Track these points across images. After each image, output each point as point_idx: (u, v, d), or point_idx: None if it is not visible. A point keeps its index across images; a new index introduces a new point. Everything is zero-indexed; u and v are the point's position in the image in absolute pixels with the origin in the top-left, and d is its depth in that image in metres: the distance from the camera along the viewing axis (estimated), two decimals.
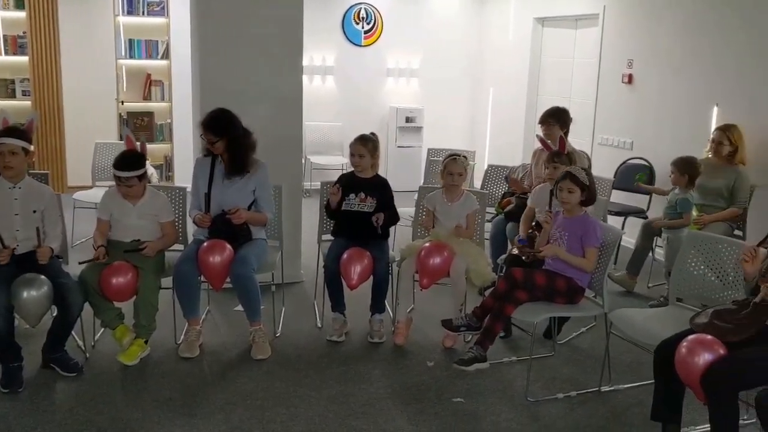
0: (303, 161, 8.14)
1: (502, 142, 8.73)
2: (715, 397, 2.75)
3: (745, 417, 3.11)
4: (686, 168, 4.87)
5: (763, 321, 2.86)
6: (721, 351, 2.81)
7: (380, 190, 4.27)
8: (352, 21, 8.68)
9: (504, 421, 3.33)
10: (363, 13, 8.70)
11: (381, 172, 4.39)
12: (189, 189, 4.26)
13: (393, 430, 3.22)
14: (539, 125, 5.16)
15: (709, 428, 2.84)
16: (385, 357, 4.01)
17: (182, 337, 4.01)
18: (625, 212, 5.92)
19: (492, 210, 5.39)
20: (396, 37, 8.87)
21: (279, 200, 4.40)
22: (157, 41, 7.70)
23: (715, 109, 5.58)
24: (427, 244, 4.14)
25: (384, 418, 3.32)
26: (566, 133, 5.05)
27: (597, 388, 3.67)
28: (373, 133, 4.41)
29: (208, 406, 3.38)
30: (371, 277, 4.12)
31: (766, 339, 2.82)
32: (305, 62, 8.22)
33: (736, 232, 4.94)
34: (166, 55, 7.71)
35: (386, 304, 4.30)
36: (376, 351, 4.08)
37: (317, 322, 4.46)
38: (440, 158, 5.08)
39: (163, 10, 7.63)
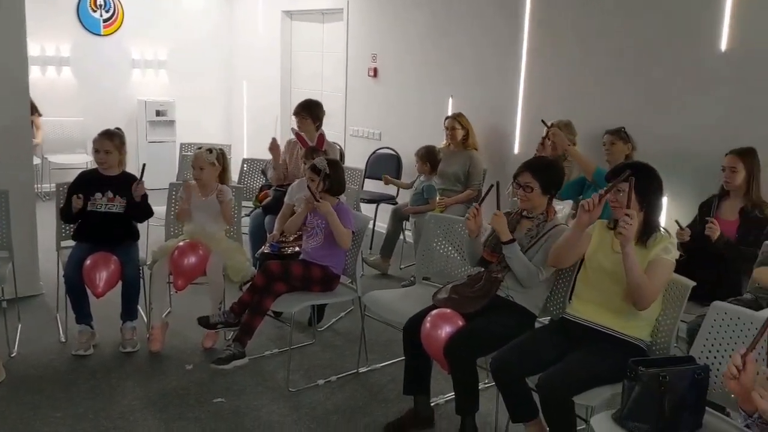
0: (40, 161, 7.44)
1: (258, 136, 8.68)
2: (455, 365, 2.99)
3: (486, 381, 3.40)
4: (428, 156, 5.26)
5: (494, 292, 3.16)
6: (460, 323, 3.06)
7: (130, 188, 4.01)
8: (89, 8, 8.02)
9: (265, 415, 3.32)
10: (100, 1, 8.08)
11: (132, 170, 4.12)
12: None
13: None
14: (293, 117, 5.20)
15: (454, 395, 3.09)
16: (139, 366, 3.79)
17: None
18: (377, 200, 6.21)
19: (250, 204, 5.34)
20: (139, 27, 8.38)
21: (5, 206, 3.93)
22: None
23: (450, 100, 6.06)
24: (180, 244, 3.99)
25: (139, 430, 3.13)
26: (318, 126, 5.15)
27: (355, 370, 3.81)
28: (118, 128, 4.15)
29: None
30: (120, 283, 3.86)
31: (496, 308, 3.12)
32: (36, 52, 7.55)
33: None
34: None
35: (139, 309, 4.06)
36: (129, 360, 3.84)
37: (60, 336, 4.08)
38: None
39: None
